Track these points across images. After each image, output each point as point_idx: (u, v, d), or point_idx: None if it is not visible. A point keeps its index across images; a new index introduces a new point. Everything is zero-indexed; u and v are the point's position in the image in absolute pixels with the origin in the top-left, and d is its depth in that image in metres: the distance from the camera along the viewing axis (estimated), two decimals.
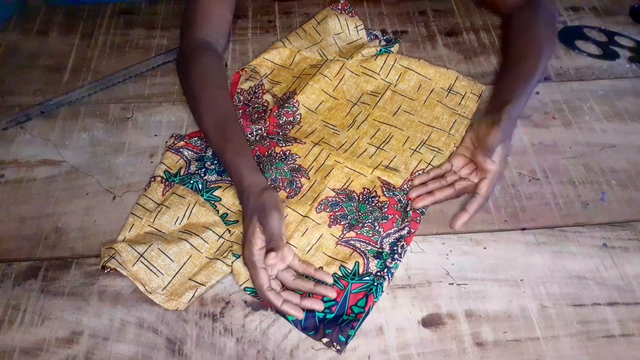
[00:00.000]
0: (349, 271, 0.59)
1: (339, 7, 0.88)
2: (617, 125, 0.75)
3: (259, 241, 0.57)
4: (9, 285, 0.58)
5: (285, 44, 0.82)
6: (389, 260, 0.59)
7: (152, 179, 0.66)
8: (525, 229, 0.63)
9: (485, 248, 0.61)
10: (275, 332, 0.55)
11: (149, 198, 0.64)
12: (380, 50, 0.81)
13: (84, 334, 0.54)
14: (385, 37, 0.86)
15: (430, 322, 0.56)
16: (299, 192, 0.66)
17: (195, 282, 0.57)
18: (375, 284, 0.57)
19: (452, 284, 0.58)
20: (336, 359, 0.53)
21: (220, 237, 0.61)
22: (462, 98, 0.77)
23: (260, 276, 0.55)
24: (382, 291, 0.57)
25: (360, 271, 0.59)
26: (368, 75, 0.79)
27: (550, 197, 0.66)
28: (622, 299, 0.57)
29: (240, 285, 0.57)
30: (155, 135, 0.73)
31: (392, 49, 0.82)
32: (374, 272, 0.59)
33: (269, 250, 0.54)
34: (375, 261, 0.59)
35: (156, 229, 0.61)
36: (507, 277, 0.59)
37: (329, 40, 0.84)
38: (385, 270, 0.58)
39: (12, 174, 0.68)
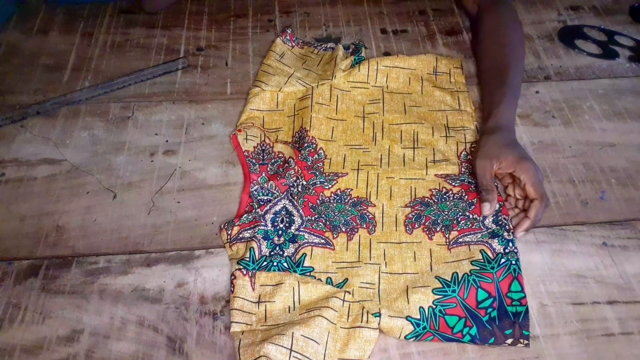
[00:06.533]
0: (482, 261, 0.58)
1: (287, 37, 0.84)
2: (617, 124, 0.75)
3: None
4: (10, 284, 0.58)
5: (263, 87, 0.76)
6: (505, 233, 0.60)
7: (233, 277, 0.57)
8: None
9: None
10: None
11: (243, 299, 0.56)
12: (355, 59, 0.79)
13: (84, 333, 0.54)
14: (343, 44, 0.83)
15: None
16: (375, 223, 0.63)
17: None
18: (513, 261, 0.57)
19: None
20: None
21: (344, 301, 0.56)
22: (450, 75, 0.79)
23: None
24: (520, 269, 0.57)
25: (491, 256, 0.58)
26: (359, 87, 0.77)
27: (550, 195, 0.66)
28: (621, 298, 0.57)
29: (399, 338, 0.54)
30: (156, 134, 0.73)
31: (362, 54, 0.81)
32: (501, 251, 0.59)
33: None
34: (495, 240, 0.59)
35: (272, 325, 0.54)
36: None
37: (302, 72, 0.79)
38: (510, 245, 0.59)
39: (12, 173, 0.68)
